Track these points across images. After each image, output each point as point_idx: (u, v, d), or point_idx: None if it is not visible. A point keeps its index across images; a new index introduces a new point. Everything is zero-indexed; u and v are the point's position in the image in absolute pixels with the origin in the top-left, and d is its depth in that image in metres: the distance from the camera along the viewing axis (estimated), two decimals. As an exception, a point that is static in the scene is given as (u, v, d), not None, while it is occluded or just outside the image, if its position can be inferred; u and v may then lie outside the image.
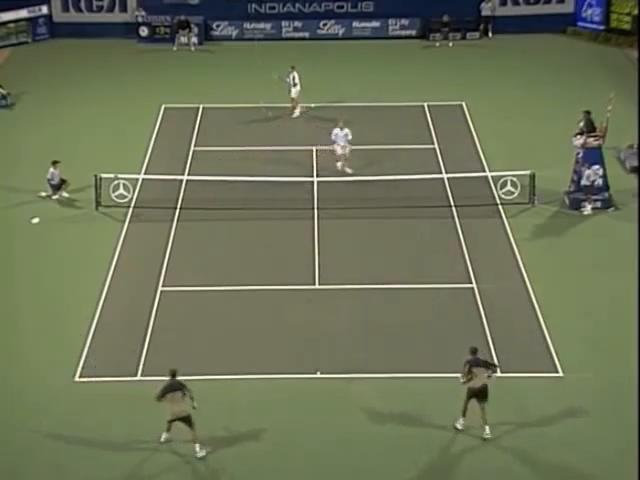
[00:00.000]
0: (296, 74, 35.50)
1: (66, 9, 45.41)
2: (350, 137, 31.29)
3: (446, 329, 24.11)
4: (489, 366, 20.52)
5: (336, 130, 31.37)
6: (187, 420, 19.83)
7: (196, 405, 19.80)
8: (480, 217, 29.06)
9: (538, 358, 22.91)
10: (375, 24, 45.26)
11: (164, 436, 20.22)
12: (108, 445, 20.41)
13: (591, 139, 29.42)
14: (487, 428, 20.40)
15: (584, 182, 29.44)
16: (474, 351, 20.49)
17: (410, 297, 25.36)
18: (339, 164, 31.40)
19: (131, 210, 29.58)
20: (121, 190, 29.94)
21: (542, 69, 40.89)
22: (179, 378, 19.86)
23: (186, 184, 30.62)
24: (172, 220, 28.98)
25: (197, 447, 19.97)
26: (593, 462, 19.88)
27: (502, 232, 28.37)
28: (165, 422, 20.10)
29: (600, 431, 20.70)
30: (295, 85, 35.64)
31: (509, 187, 29.93)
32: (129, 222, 29.04)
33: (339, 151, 31.37)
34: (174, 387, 19.69)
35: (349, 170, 31.24)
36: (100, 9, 45.59)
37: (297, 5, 45.51)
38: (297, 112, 35.92)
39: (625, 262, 26.59)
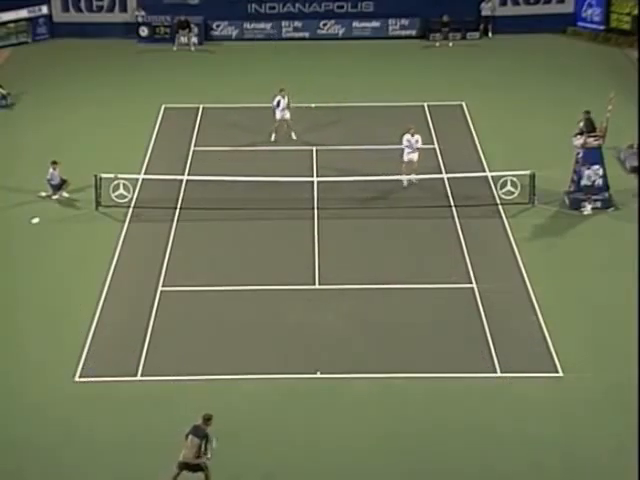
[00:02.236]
0: (284, 98, 33.57)
1: (66, 9, 45.43)
2: (420, 144, 30.73)
3: (446, 329, 24.10)
4: None
5: (407, 136, 30.73)
6: (197, 468, 18.79)
7: (210, 457, 18.81)
8: (480, 217, 29.05)
9: (538, 358, 22.90)
10: (375, 24, 45.26)
11: None
12: (108, 445, 20.40)
13: (591, 139, 29.43)
14: None
15: (584, 182, 29.44)
16: None
17: (410, 297, 25.36)
18: (408, 176, 30.55)
19: (131, 210, 29.57)
20: (121, 190, 29.94)
21: (542, 69, 40.90)
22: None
23: (186, 184, 30.61)
24: (172, 220, 28.97)
25: None
26: (593, 462, 19.87)
27: (502, 232, 28.36)
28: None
29: (600, 431, 20.69)
30: (284, 109, 33.65)
31: (509, 187, 29.93)
32: (129, 222, 29.02)
33: (405, 159, 30.64)
34: (197, 433, 18.83)
35: (415, 177, 30.60)
36: (100, 9, 45.61)
37: (297, 5, 45.51)
38: (294, 134, 34.00)
39: (625, 262, 26.58)
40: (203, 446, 18.82)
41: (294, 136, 33.90)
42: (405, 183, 30.70)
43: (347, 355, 23.10)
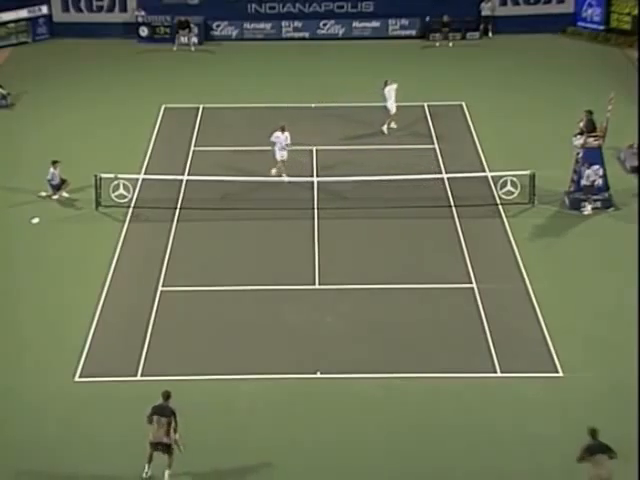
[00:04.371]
0: (393, 87, 33.92)
1: (66, 9, 45.47)
2: (289, 141, 30.60)
3: (446, 329, 24.11)
4: (610, 451, 18.20)
5: (277, 133, 30.59)
6: (167, 449, 18.94)
7: (181, 443, 19.00)
8: (480, 217, 29.05)
9: (538, 358, 22.90)
10: (375, 24, 45.28)
11: (146, 469, 19.16)
12: (108, 445, 20.39)
13: (591, 139, 29.43)
14: None
15: (584, 182, 29.44)
16: (594, 434, 18.27)
17: (410, 297, 25.36)
18: (274, 170, 30.76)
19: (131, 210, 29.58)
20: (121, 190, 29.94)
21: (542, 69, 40.90)
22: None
23: (186, 184, 30.62)
24: (172, 220, 28.98)
25: (166, 474, 19.09)
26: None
27: (502, 232, 28.36)
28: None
29: (600, 431, 20.65)
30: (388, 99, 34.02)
31: (509, 187, 29.93)
32: (129, 222, 29.03)
33: (278, 157, 30.64)
34: (163, 412, 18.95)
35: (285, 177, 30.58)
36: (100, 9, 45.64)
37: (297, 5, 45.54)
38: (394, 123, 34.38)
39: (625, 262, 26.57)
40: (173, 422, 18.91)
41: (394, 125, 34.25)
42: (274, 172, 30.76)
43: (347, 355, 23.10)
